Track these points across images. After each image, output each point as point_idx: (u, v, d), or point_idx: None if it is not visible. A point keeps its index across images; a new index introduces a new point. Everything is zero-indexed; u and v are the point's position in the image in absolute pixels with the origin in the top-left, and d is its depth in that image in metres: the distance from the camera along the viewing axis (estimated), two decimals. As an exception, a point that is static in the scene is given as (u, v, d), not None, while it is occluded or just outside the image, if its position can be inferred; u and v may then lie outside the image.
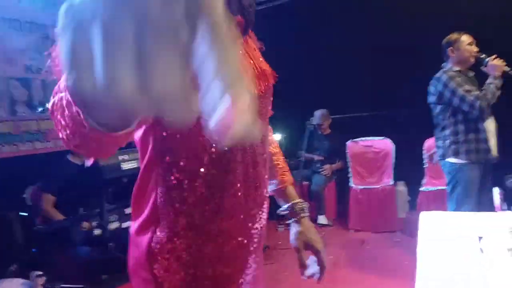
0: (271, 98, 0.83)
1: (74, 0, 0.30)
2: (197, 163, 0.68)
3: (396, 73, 4.15)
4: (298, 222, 0.94)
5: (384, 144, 3.96)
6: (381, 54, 4.25)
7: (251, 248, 0.77)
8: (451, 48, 2.51)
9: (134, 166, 1.99)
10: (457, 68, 2.49)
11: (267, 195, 0.83)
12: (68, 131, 0.44)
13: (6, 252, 2.44)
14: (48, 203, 2.42)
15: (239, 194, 0.72)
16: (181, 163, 0.68)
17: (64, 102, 0.42)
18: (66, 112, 0.42)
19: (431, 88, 2.57)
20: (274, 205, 0.97)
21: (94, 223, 1.91)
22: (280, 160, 0.99)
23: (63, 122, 0.44)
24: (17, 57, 3.28)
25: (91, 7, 0.29)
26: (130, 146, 2.24)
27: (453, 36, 2.53)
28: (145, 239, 0.70)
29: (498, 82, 2.34)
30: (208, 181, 0.69)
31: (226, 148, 0.68)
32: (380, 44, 4.23)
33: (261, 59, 0.82)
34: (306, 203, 0.99)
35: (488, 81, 2.36)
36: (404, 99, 3.96)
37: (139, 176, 0.74)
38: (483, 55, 2.41)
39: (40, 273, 1.50)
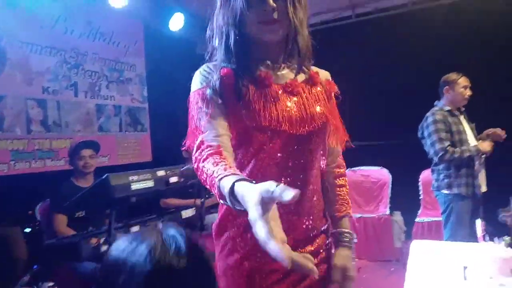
0: (323, 136, 1.04)
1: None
2: None
3: (393, 104, 4.31)
4: (337, 247, 1.07)
5: (381, 174, 4.08)
6: (380, 85, 4.42)
7: None
8: (447, 87, 2.59)
9: (143, 187, 2.10)
10: (448, 108, 2.60)
11: (312, 223, 1.02)
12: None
13: (12, 267, 2.52)
14: (62, 223, 2.45)
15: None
16: None
17: (208, 181, 0.80)
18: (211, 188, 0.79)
19: (421, 124, 2.69)
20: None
21: (101, 240, 2.01)
22: (342, 192, 1.11)
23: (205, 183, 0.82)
24: (36, 78, 3.47)
25: None
26: (140, 167, 2.37)
27: (452, 76, 2.61)
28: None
29: (474, 153, 2.47)
30: None
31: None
32: (379, 74, 4.41)
33: (317, 102, 1.02)
34: (354, 235, 1.10)
35: (473, 148, 2.47)
36: (401, 130, 4.09)
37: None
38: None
39: (51, 284, 1.59)
